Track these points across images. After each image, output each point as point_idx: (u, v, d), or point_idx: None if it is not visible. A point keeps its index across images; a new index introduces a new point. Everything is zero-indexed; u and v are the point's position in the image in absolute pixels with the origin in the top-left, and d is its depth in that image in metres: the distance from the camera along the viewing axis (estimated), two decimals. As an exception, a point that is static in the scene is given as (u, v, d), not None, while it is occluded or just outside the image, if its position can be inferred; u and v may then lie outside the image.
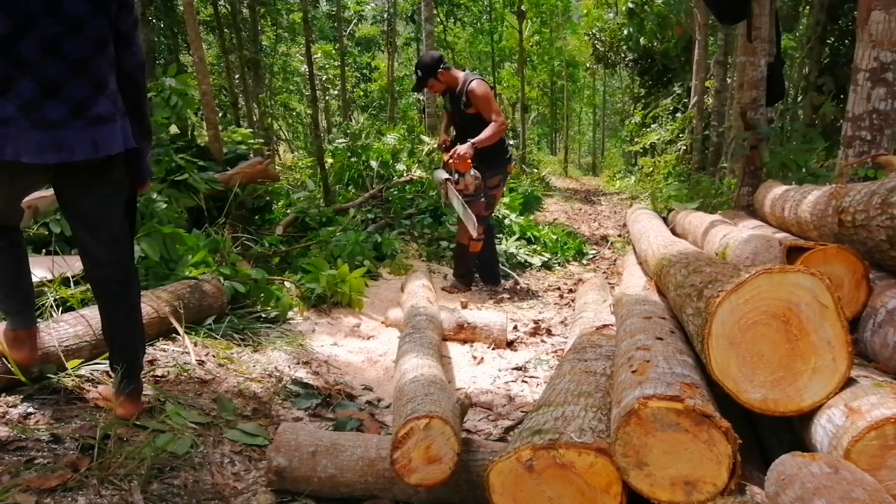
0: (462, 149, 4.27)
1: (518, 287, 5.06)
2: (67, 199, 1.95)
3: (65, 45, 1.74)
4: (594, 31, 17.47)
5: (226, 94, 12.13)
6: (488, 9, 17.06)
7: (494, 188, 4.61)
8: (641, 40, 13.78)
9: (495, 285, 4.97)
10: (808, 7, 9.82)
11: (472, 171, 4.36)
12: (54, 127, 1.74)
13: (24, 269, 2.02)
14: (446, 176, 4.46)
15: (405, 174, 7.25)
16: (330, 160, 7.47)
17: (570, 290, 4.95)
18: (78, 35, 1.76)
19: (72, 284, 2.74)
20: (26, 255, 2.04)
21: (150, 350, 2.61)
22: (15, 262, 1.98)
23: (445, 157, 4.47)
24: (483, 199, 4.52)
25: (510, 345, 3.56)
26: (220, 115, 10.16)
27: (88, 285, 2.60)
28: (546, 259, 5.93)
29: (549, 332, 3.82)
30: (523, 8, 16.63)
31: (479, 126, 4.33)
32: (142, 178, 2.09)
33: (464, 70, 4.82)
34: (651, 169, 13.44)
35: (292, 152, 14.96)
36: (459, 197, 4.40)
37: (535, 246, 6.25)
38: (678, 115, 12.82)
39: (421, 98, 14.02)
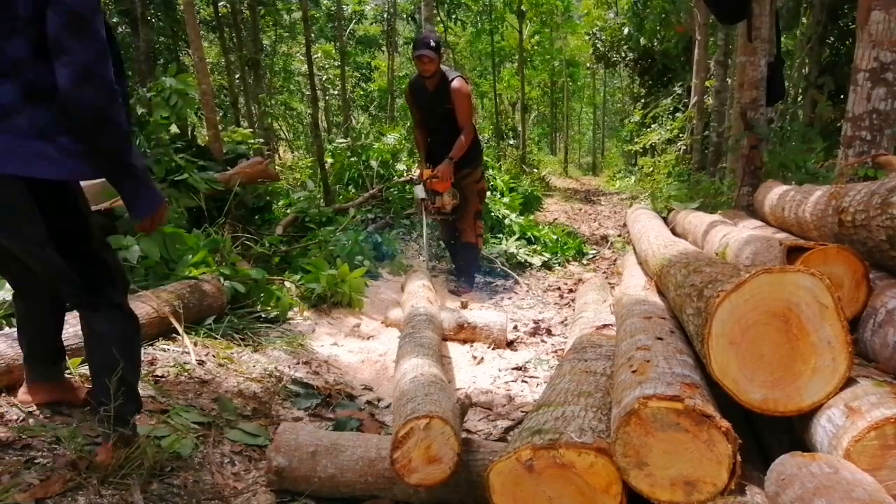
0: (442, 169, 4.41)
1: (518, 287, 5.05)
2: None
3: None
4: (594, 30, 17.46)
5: (226, 94, 12.12)
6: (488, 8, 17.02)
7: (479, 180, 4.80)
8: (641, 40, 13.76)
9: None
10: (808, 7, 9.80)
11: (451, 190, 4.56)
12: None
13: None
14: (423, 196, 4.66)
15: (405, 174, 7.24)
16: (330, 160, 7.46)
17: (570, 290, 4.94)
18: None
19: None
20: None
21: (150, 350, 2.62)
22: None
23: (426, 175, 4.59)
24: (469, 207, 4.70)
25: (510, 345, 3.56)
26: (220, 115, 10.16)
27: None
28: (546, 259, 5.93)
29: (549, 332, 3.82)
30: (523, 8, 16.60)
31: (452, 122, 4.44)
32: (134, 217, 1.70)
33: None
34: (651, 169, 13.42)
35: (292, 152, 14.93)
36: (426, 228, 4.76)
37: (535, 246, 6.24)
38: (678, 114, 12.80)
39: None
